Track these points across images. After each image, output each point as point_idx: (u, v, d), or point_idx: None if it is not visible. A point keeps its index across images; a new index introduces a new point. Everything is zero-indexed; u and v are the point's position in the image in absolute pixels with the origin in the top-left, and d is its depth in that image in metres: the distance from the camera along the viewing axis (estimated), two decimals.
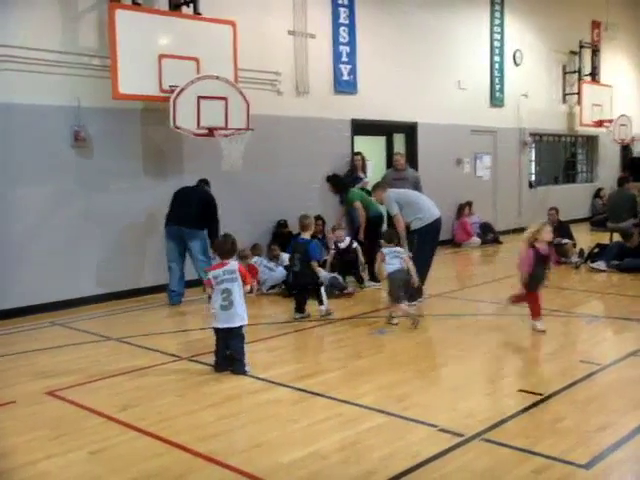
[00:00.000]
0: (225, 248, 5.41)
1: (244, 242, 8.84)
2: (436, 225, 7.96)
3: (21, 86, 7.67)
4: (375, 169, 11.97)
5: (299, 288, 7.31)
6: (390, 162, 12.25)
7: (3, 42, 7.48)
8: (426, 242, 7.87)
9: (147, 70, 8.09)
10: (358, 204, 9.20)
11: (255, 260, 8.83)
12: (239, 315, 5.30)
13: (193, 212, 8.12)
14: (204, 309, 7.38)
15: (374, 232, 8.96)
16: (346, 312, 7.56)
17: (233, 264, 5.38)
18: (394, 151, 12.24)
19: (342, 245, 8.99)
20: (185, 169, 9.10)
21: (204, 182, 8.63)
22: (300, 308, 7.29)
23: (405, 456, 3.70)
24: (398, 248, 7.03)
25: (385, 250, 6.93)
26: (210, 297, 5.45)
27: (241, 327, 5.33)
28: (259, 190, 9.99)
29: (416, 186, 10.81)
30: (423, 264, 7.86)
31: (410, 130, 12.63)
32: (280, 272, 8.75)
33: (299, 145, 10.58)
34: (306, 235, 7.41)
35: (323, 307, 7.29)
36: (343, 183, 9.69)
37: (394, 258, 6.86)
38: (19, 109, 7.68)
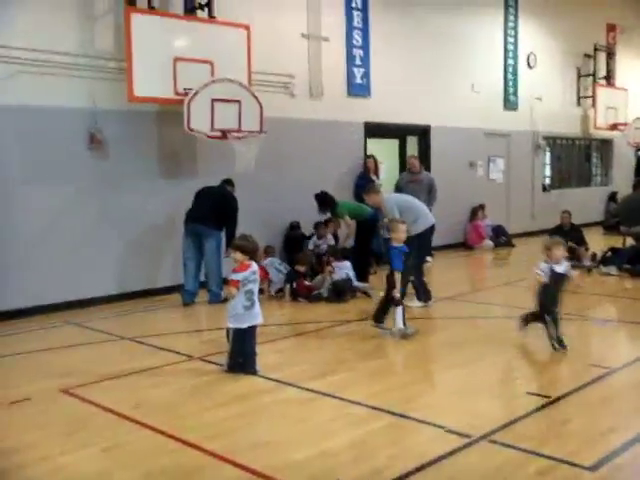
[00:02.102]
0: (252, 248, 5.40)
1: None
2: (432, 230, 7.93)
3: (38, 88, 7.77)
4: (388, 171, 12.06)
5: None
6: (403, 165, 12.37)
7: (21, 45, 7.58)
8: (424, 245, 7.89)
9: (162, 73, 8.18)
10: (347, 218, 9.22)
11: (266, 262, 8.81)
12: (259, 313, 5.38)
13: (210, 211, 8.18)
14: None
15: (371, 233, 9.22)
16: (354, 314, 7.58)
17: (255, 265, 5.42)
18: (407, 154, 12.32)
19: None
20: (199, 171, 9.16)
21: (227, 182, 8.67)
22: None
23: (412, 456, 3.74)
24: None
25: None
26: (226, 299, 5.42)
27: (257, 326, 5.39)
28: (271, 192, 10.02)
29: (430, 189, 11.10)
30: (416, 268, 7.79)
31: (423, 133, 12.64)
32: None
33: (312, 147, 10.61)
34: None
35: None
36: (328, 201, 9.53)
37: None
38: (36, 111, 7.78)
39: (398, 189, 11.25)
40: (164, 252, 8.95)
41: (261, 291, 7.57)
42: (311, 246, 9.94)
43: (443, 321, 7.22)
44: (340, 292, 8.20)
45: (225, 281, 6.94)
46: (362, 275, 8.90)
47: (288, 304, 8.35)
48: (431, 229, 7.87)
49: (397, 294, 6.35)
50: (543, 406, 4.47)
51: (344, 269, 8.48)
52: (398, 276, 6.33)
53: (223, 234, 8.25)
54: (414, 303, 7.78)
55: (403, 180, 11.43)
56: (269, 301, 8.39)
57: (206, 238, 8.22)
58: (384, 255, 8.31)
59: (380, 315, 6.64)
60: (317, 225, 10.12)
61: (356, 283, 8.50)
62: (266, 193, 9.95)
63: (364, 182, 10.59)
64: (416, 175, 11.33)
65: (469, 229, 13.32)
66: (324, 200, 9.55)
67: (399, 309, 6.38)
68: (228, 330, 5.39)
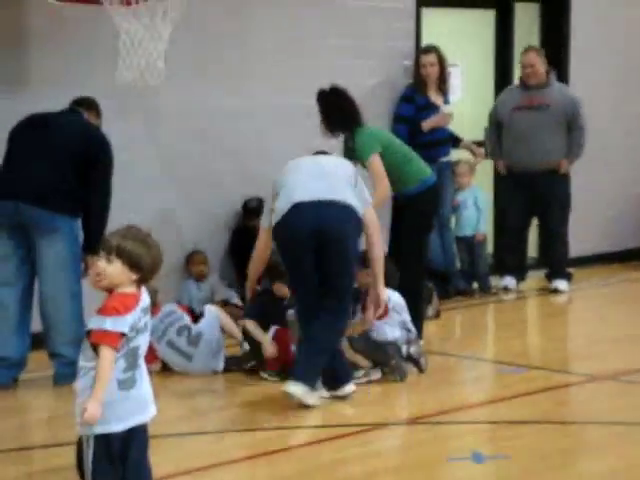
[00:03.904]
0: (149, 259, 4.93)
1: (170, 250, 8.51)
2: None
3: None
4: (471, 84, 12.28)
5: None
6: (505, 70, 12.53)
7: None
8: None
9: None
10: (377, 162, 8.88)
11: (165, 311, 8.62)
12: (150, 396, 5.05)
13: (53, 171, 8.19)
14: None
15: (427, 221, 8.95)
16: (392, 410, 7.78)
17: (146, 297, 5.03)
18: (526, 46, 11.92)
19: None
20: (33, 78, 9.05)
21: (84, 105, 8.62)
22: None
23: None
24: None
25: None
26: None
27: (145, 425, 5.10)
28: (204, 131, 9.82)
29: (570, 125, 11.39)
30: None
31: None
32: (202, 360, 8.65)
33: (299, 30, 10.48)
34: None
35: None
36: (347, 110, 9.19)
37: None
38: None
39: (495, 126, 11.50)
40: None
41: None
42: None
43: (580, 426, 7.14)
44: (382, 360, 8.43)
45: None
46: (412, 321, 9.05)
47: (243, 379, 8.37)
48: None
49: None
50: None
51: (400, 311, 8.60)
52: None
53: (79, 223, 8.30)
54: (309, 398, 7.58)
55: (507, 105, 11.47)
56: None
57: (43, 235, 8.12)
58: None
59: None
60: None
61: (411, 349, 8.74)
62: (191, 133, 9.87)
63: (413, 110, 10.93)
64: (537, 93, 11.27)
65: None
66: (337, 107, 9.20)
67: None
68: (81, 443, 4.84)
